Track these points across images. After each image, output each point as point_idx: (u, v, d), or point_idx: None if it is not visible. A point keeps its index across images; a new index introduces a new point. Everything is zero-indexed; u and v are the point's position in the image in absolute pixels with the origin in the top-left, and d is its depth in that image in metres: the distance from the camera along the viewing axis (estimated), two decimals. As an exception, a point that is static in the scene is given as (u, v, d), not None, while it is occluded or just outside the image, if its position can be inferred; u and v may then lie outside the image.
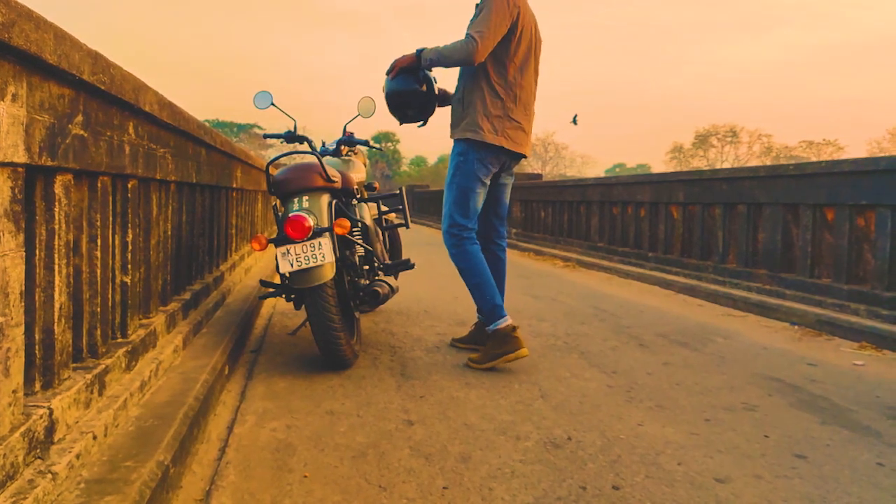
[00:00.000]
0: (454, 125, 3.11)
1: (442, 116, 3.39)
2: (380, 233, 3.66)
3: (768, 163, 49.59)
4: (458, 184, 3.06)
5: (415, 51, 3.08)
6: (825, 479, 1.85)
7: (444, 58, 2.94)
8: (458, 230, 3.05)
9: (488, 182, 3.10)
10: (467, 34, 2.87)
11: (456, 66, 3.02)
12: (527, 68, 3.07)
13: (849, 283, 4.11)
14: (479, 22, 2.86)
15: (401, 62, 3.10)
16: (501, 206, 3.30)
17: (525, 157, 3.19)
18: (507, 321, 2.94)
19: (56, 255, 1.57)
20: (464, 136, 3.01)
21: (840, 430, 2.26)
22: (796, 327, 4.11)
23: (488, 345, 2.96)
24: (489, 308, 2.96)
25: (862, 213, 4.09)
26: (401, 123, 3.34)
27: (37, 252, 1.51)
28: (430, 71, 3.17)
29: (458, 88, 3.12)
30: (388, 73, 3.16)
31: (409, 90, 3.14)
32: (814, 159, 43.50)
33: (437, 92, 3.22)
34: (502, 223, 3.34)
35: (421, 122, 3.31)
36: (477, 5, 3.03)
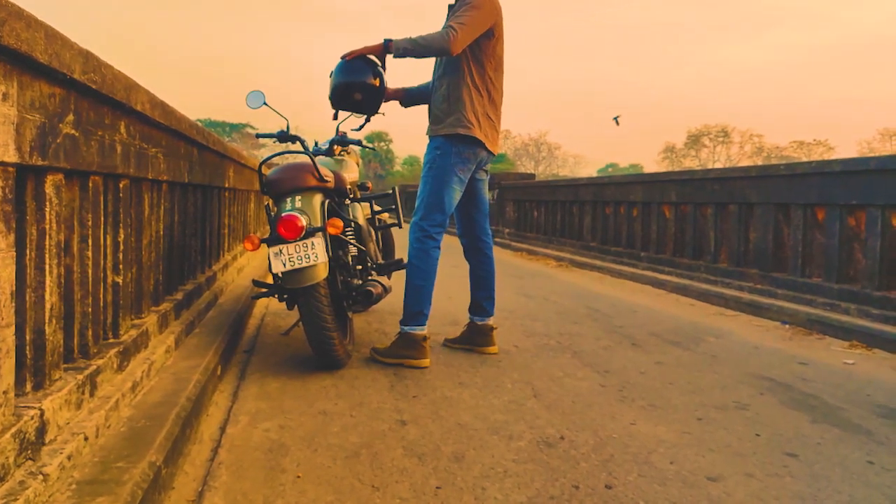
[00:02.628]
0: (437, 122, 3.07)
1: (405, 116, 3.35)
2: (373, 232, 3.66)
3: (759, 163, 49.85)
4: (434, 177, 3.04)
5: (382, 40, 2.97)
6: (816, 478, 1.87)
7: (419, 47, 2.88)
8: (429, 224, 3.04)
9: (466, 178, 3.09)
10: (447, 25, 2.87)
11: (432, 55, 2.97)
12: (500, 71, 3.12)
13: (839, 282, 4.14)
14: (460, 15, 2.86)
15: (362, 50, 3.01)
16: (481, 201, 3.31)
17: (495, 155, 3.21)
18: (425, 331, 3.01)
19: (47, 256, 1.56)
20: (454, 131, 2.99)
21: (831, 428, 2.28)
22: (787, 326, 4.14)
23: (398, 341, 3.01)
24: (417, 312, 3.01)
25: (852, 213, 4.11)
26: (335, 117, 3.30)
27: (27, 252, 1.51)
28: (385, 70, 3.10)
29: (439, 86, 3.09)
30: (343, 57, 3.04)
31: (360, 82, 3.04)
32: (805, 159, 43.73)
33: (385, 91, 3.15)
34: (485, 219, 3.34)
35: (364, 120, 3.30)
36: (450, 6, 3.03)
